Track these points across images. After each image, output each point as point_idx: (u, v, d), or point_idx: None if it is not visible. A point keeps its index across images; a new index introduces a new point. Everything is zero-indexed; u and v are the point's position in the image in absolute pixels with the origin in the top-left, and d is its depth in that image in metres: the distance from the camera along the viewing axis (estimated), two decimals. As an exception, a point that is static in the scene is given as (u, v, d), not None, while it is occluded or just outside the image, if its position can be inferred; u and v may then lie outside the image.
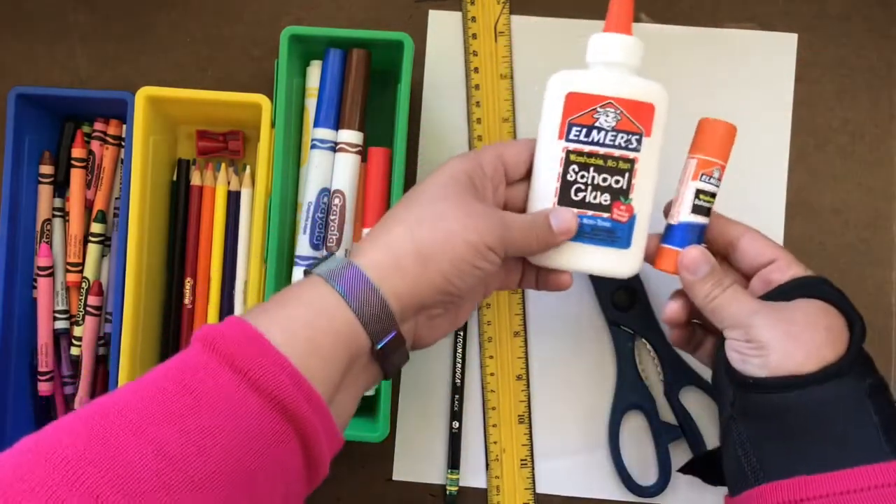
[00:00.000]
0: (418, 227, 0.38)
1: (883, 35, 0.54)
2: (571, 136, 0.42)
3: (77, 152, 0.54)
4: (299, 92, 0.52)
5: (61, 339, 0.54)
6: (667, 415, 0.53)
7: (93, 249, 0.53)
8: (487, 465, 0.53)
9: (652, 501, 0.53)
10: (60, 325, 0.53)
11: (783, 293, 0.42)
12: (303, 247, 0.49)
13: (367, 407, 0.52)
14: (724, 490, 0.52)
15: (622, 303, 0.53)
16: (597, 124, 0.42)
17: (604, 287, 0.53)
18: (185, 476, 0.30)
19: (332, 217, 0.49)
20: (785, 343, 0.38)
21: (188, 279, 0.52)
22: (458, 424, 0.53)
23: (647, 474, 0.53)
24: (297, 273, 0.49)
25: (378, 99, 0.52)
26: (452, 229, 0.38)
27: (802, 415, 0.38)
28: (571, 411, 0.54)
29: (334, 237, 0.49)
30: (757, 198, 0.54)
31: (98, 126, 0.54)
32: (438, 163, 0.54)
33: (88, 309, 0.53)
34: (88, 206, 0.54)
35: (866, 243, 0.54)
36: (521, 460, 0.53)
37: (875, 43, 0.54)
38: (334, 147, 0.49)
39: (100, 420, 0.31)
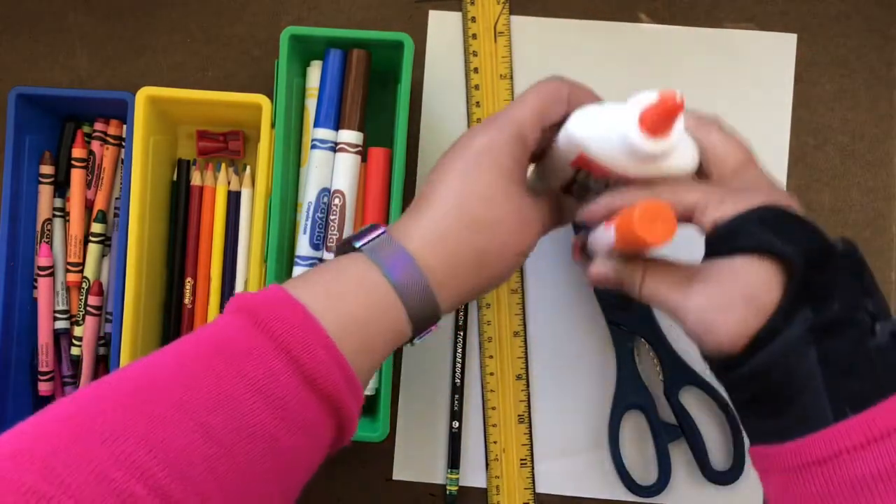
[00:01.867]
0: (479, 235, 0.38)
1: (883, 35, 0.54)
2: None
3: (77, 152, 0.54)
4: (299, 92, 0.52)
5: (61, 338, 0.54)
6: (667, 415, 0.53)
7: (93, 249, 0.53)
8: (487, 464, 0.53)
9: (652, 501, 0.53)
10: (61, 324, 0.53)
11: (713, 250, 0.36)
12: (303, 247, 0.49)
13: (367, 407, 0.52)
14: (727, 490, 0.53)
15: (622, 303, 0.53)
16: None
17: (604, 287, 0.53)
18: (232, 464, 0.30)
19: (332, 217, 0.49)
20: (707, 335, 0.35)
21: (188, 279, 0.52)
22: (458, 424, 0.53)
23: (647, 474, 0.53)
24: (298, 273, 0.49)
25: (378, 99, 0.52)
26: (508, 241, 0.38)
27: (753, 387, 0.34)
28: (571, 411, 0.54)
29: (334, 237, 0.49)
30: (757, 198, 0.54)
31: (98, 126, 0.54)
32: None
33: (89, 309, 0.53)
34: (89, 206, 0.54)
35: (866, 243, 0.54)
36: (521, 460, 0.53)
37: (875, 43, 0.54)
38: (334, 147, 0.49)
39: (145, 394, 0.30)
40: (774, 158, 0.54)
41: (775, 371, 0.33)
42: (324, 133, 0.49)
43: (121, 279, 0.49)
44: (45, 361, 0.53)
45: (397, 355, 0.54)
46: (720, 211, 0.35)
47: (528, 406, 0.53)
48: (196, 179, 0.53)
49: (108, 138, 0.54)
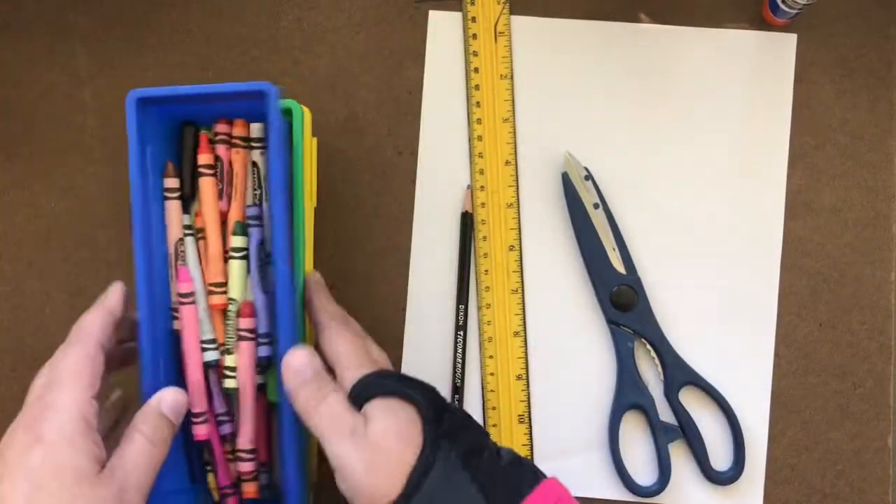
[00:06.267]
0: None
1: (883, 35, 0.54)
2: None
3: (204, 158, 0.46)
4: None
5: (210, 372, 0.46)
6: (667, 415, 0.53)
7: (235, 266, 0.45)
8: (487, 464, 0.53)
9: (652, 501, 0.53)
10: (210, 356, 0.45)
11: (357, 401, 0.40)
12: None
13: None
14: (727, 490, 0.53)
15: (622, 303, 0.53)
16: None
17: (604, 287, 0.53)
18: None
19: None
20: (368, 478, 0.38)
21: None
22: (458, 424, 0.53)
23: (647, 474, 0.53)
24: None
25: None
26: None
27: None
28: (571, 411, 0.54)
29: None
30: (756, 198, 0.54)
31: (221, 128, 0.46)
32: (439, 164, 0.54)
33: (241, 334, 0.45)
34: (222, 218, 0.46)
35: (866, 243, 0.54)
36: (521, 460, 0.53)
37: (875, 43, 0.54)
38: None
39: None
40: (774, 158, 0.54)
41: (441, 497, 0.37)
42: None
43: (285, 291, 0.43)
44: (197, 401, 0.45)
45: (397, 355, 0.54)
46: (357, 371, 0.41)
47: (528, 406, 0.53)
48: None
49: (237, 140, 0.46)
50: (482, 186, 0.54)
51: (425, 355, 0.54)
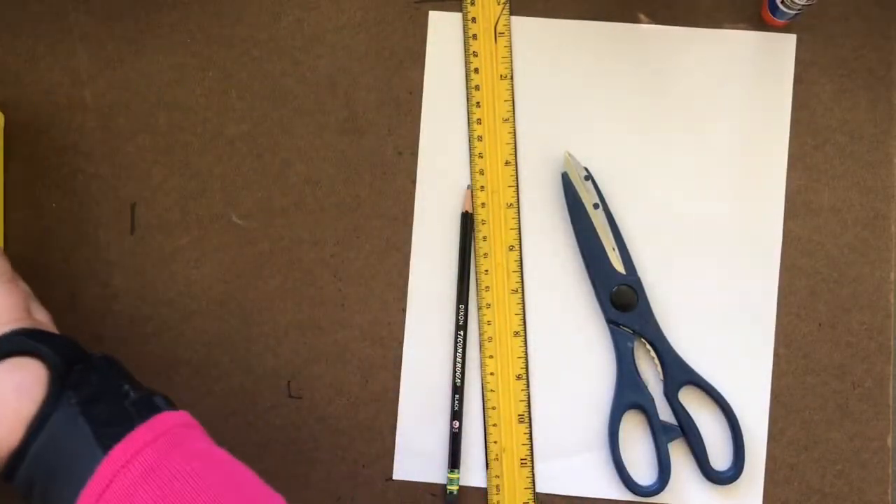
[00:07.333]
0: None
1: (883, 35, 0.54)
2: None
3: None
4: None
5: None
6: (667, 414, 0.53)
7: None
8: (487, 464, 0.53)
9: (652, 501, 0.53)
10: None
11: None
12: None
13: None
14: (727, 490, 0.53)
15: (622, 303, 0.53)
16: None
17: (604, 287, 0.53)
18: None
19: None
20: None
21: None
22: (458, 424, 0.53)
23: (646, 474, 0.53)
24: None
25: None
26: None
27: (45, 470, 0.40)
28: (571, 411, 0.54)
29: None
30: (756, 198, 0.54)
31: None
32: (439, 164, 0.54)
33: None
34: None
35: (865, 243, 0.54)
36: (521, 460, 0.53)
37: (874, 43, 0.54)
38: None
39: None
40: (773, 158, 0.54)
41: (56, 444, 0.40)
42: None
43: None
44: None
45: (397, 355, 0.54)
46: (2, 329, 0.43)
47: (528, 406, 0.54)
48: None
49: None
50: (482, 186, 0.54)
51: (425, 355, 0.54)
